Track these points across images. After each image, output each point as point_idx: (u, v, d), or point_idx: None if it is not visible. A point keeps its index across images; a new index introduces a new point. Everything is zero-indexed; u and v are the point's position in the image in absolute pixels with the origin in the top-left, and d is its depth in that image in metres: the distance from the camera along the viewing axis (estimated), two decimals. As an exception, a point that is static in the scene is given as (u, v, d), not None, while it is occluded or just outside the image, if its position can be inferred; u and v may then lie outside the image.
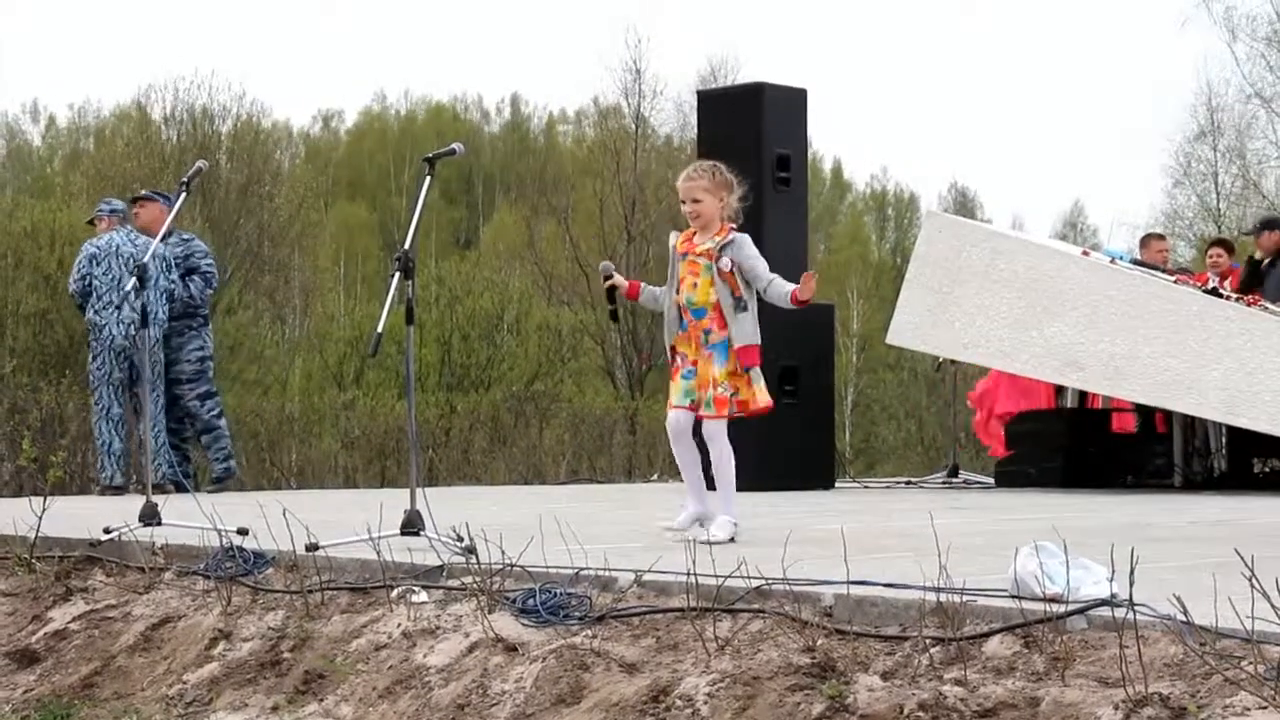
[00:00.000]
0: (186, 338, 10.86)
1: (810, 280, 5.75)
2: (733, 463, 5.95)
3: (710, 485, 6.02)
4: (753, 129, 10.83)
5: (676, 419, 5.94)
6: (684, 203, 5.99)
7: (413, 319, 5.64)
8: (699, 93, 12.48)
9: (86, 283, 10.55)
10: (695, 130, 12.43)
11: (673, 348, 6.01)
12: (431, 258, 35.48)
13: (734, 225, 5.97)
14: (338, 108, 54.65)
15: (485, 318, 26.62)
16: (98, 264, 10.56)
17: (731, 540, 5.76)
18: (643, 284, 6.17)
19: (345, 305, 34.71)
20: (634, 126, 30.56)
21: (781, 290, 5.85)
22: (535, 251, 31.60)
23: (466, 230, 47.63)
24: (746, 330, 5.87)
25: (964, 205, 47.40)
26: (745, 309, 5.89)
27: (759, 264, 5.90)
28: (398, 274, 5.57)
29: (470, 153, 45.84)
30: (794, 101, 11.14)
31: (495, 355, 26.47)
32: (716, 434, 5.90)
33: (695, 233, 5.98)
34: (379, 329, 5.48)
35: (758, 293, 5.93)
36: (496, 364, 26.40)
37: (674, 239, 6.07)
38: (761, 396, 5.93)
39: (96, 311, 10.52)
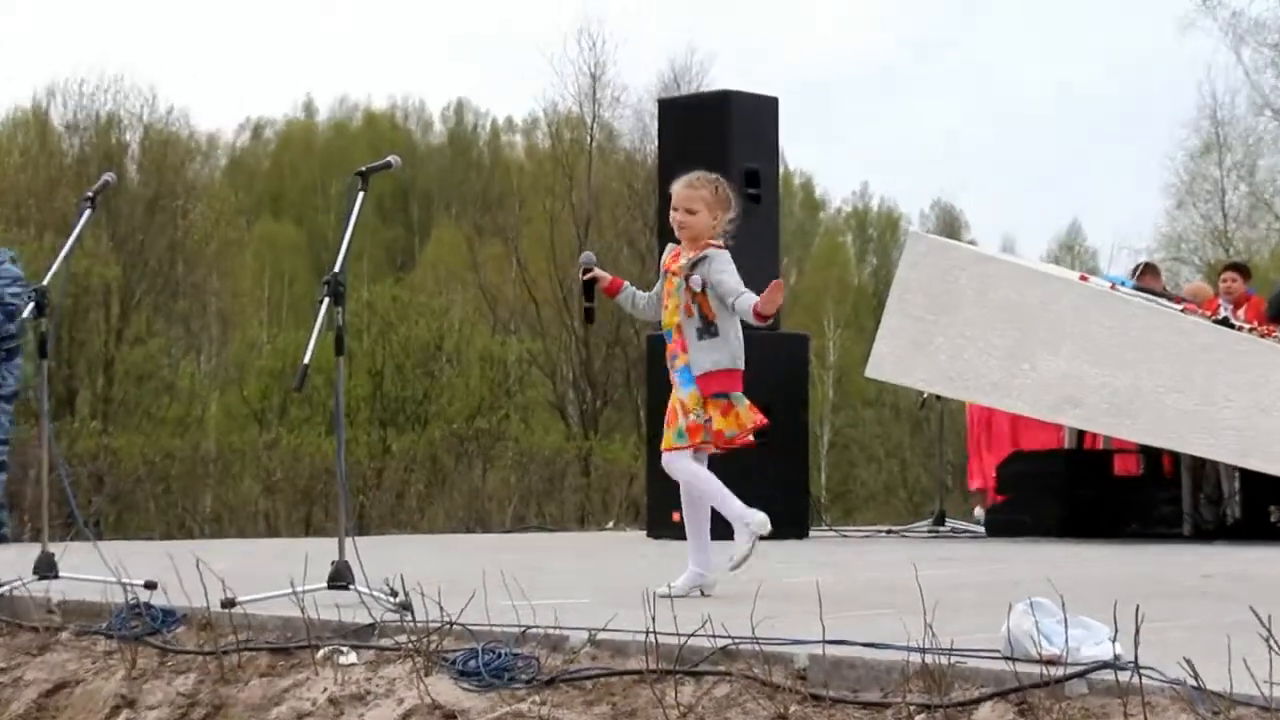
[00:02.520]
0: None
1: (776, 291, 5.75)
2: (711, 480, 5.93)
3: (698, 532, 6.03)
4: (719, 140, 10.84)
5: (667, 462, 5.98)
6: (675, 210, 6.00)
7: (343, 349, 5.62)
8: (660, 100, 12.53)
9: None
10: (656, 143, 12.45)
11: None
12: (364, 281, 35.42)
13: (717, 244, 5.98)
14: (269, 117, 54.48)
15: (422, 347, 26.56)
16: None
17: (763, 538, 5.79)
18: (626, 283, 6.17)
19: (269, 333, 34.56)
20: (589, 138, 30.62)
21: (746, 305, 5.85)
22: (478, 274, 31.60)
23: (402, 252, 47.54)
24: (708, 357, 5.88)
25: (949, 225, 47.65)
26: (714, 334, 5.90)
27: (728, 278, 5.89)
28: (326, 299, 5.55)
29: (407, 165, 45.77)
30: (764, 111, 11.16)
31: (433, 388, 26.41)
32: (677, 469, 5.92)
33: (678, 252, 6.02)
34: (305, 360, 5.46)
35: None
36: (434, 398, 26.34)
37: (667, 253, 6.11)
38: (754, 415, 5.91)
39: None
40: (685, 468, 5.94)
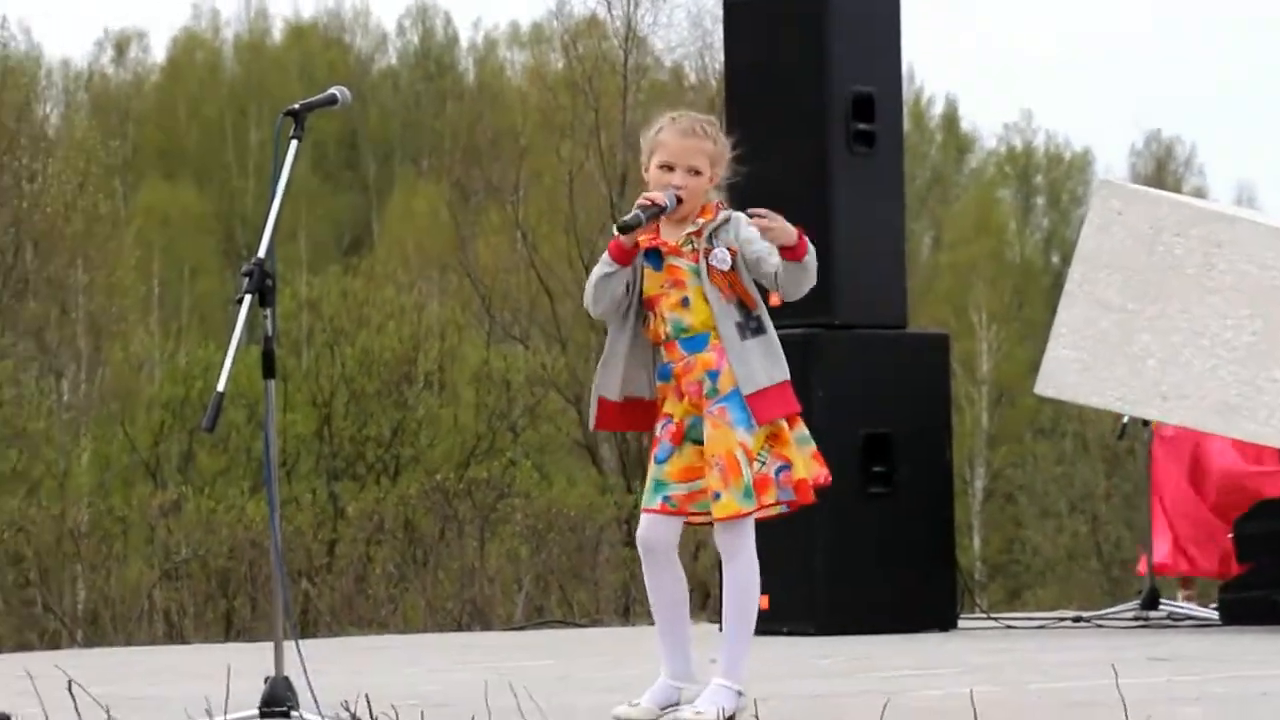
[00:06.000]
0: None
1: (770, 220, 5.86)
2: (757, 593, 6.02)
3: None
4: (814, 56, 10.88)
5: (649, 531, 5.99)
6: (668, 168, 6.02)
7: (274, 369, 5.67)
8: (727, 1, 12.57)
9: None
10: (721, 59, 12.52)
11: (619, 407, 6.07)
12: (302, 269, 35.55)
13: (720, 204, 6.04)
14: (140, 28, 54.67)
15: (390, 364, 26.66)
16: None
17: (731, 718, 5.76)
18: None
19: (161, 347, 34.74)
20: (624, 54, 30.68)
21: (776, 260, 5.90)
22: (465, 255, 31.65)
23: (355, 225, 47.72)
24: (759, 366, 5.92)
25: (1165, 170, 47.48)
26: (760, 331, 5.96)
27: (760, 240, 5.94)
28: (248, 297, 5.60)
29: (358, 100, 45.74)
30: (879, 12, 11.21)
31: (406, 424, 26.49)
32: (739, 545, 5.95)
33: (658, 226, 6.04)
34: (220, 387, 5.51)
35: (771, 292, 5.98)
36: (408, 438, 26.41)
37: (629, 237, 6.04)
38: (813, 467, 5.98)
39: None
40: (752, 547, 5.98)
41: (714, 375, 5.93)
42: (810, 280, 5.93)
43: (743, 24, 11.47)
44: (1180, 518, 12.46)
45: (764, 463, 5.91)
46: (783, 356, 5.98)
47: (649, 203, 5.96)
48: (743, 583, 5.99)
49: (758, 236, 5.93)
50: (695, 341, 5.96)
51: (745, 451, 5.87)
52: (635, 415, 6.09)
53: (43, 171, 31.00)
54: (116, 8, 73.61)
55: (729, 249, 5.93)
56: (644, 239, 6.01)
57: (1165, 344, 10.50)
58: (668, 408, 6.01)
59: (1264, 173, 70.47)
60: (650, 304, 6.01)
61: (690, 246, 5.97)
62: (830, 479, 6.06)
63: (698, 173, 5.99)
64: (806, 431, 6.01)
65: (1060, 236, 46.94)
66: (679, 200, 5.97)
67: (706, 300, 5.94)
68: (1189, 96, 68.13)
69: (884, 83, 11.14)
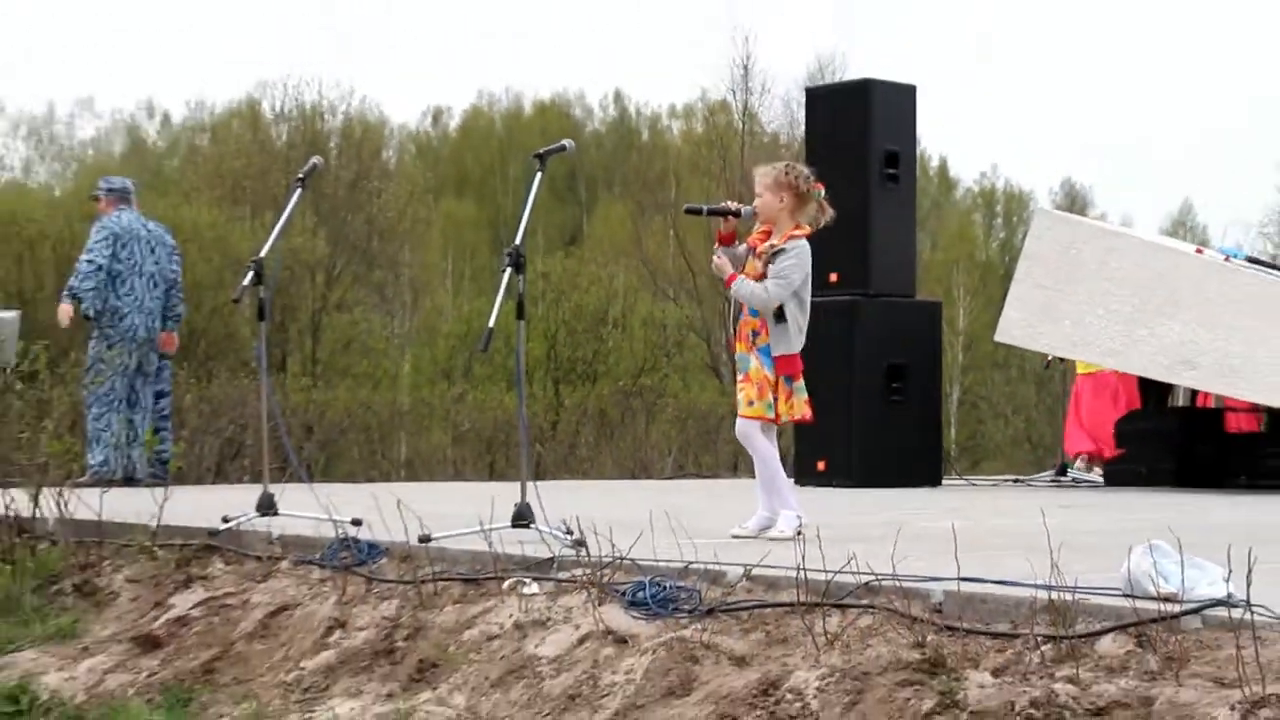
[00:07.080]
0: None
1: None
2: (777, 458, 5.98)
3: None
4: (861, 126, 10.82)
5: (748, 429, 5.93)
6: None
7: (523, 314, 5.69)
8: (807, 89, 12.50)
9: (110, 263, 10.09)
10: (803, 128, 12.43)
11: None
12: (539, 254, 35.64)
13: (804, 233, 5.93)
14: (446, 104, 54.87)
15: (591, 313, 26.72)
16: (122, 246, 10.12)
17: (799, 534, 5.72)
18: (736, 245, 6.03)
19: (453, 301, 35.00)
20: (741, 123, 30.48)
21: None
22: (641, 248, 31.65)
23: (572, 228, 47.75)
24: (783, 341, 5.89)
25: (1072, 203, 46.75)
26: (783, 319, 5.89)
27: (776, 274, 5.84)
28: (509, 269, 5.62)
29: (577, 149, 45.54)
30: (902, 98, 11.10)
31: (601, 350, 26.57)
32: (751, 434, 5.91)
33: (770, 230, 5.99)
34: (490, 324, 5.54)
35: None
36: (603, 358, 26.49)
37: (757, 228, 6.09)
38: (799, 409, 5.92)
39: (119, 297, 10.12)
40: (764, 441, 5.94)
41: (755, 334, 5.91)
42: (755, 301, 5.86)
43: (817, 106, 11.42)
44: (1093, 424, 12.49)
45: (771, 395, 5.89)
46: (794, 336, 5.88)
47: (721, 205, 6.05)
48: (765, 460, 5.93)
49: (784, 269, 5.85)
50: (753, 312, 5.93)
51: (768, 383, 5.85)
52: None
53: (384, 190, 31.36)
54: (433, 91, 73.93)
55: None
56: (753, 239, 5.98)
57: (1077, 311, 10.38)
58: (738, 346, 5.99)
59: (1140, 208, 69.07)
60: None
61: (767, 256, 5.91)
62: (813, 418, 6.03)
63: (758, 195, 5.98)
64: (802, 384, 5.94)
65: (1010, 245, 46.30)
66: (755, 212, 5.98)
67: None
68: (1098, 151, 66.83)
69: (904, 144, 11.07)
